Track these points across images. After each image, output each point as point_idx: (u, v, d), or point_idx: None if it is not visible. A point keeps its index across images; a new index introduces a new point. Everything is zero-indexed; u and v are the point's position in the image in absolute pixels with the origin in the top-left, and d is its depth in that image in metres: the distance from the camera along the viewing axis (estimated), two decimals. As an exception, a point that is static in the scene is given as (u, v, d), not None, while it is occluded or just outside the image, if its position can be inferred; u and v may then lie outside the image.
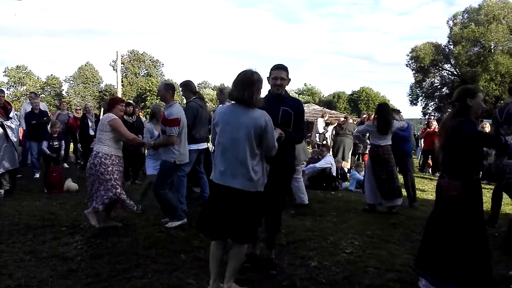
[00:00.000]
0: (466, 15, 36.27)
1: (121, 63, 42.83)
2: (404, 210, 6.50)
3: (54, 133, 8.03)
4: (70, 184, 7.24)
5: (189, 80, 5.96)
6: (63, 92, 59.94)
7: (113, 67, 61.72)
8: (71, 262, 3.81)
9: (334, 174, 8.53)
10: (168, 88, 5.04)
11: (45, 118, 8.46)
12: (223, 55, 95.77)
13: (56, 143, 7.93)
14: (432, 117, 14.04)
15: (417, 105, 42.70)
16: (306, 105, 27.92)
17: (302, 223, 5.46)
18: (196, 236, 4.66)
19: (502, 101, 32.47)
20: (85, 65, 61.95)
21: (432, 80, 41.15)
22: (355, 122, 12.59)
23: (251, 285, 3.41)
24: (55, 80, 59.76)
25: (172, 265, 3.80)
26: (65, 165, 10.09)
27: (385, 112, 6.35)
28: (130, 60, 62.32)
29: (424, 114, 41.16)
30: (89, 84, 60.87)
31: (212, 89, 59.21)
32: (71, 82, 61.60)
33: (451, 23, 37.57)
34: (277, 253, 4.17)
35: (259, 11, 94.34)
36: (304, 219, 5.70)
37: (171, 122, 4.84)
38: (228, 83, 61.81)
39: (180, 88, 6.08)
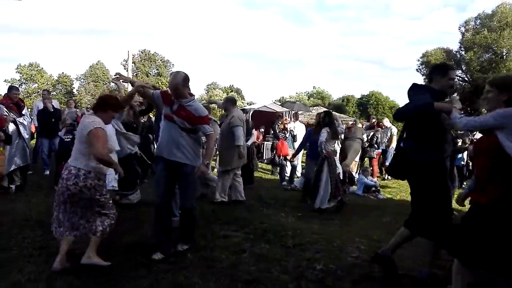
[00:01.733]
0: (479, 21, 36.02)
1: (132, 63, 43.16)
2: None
3: (65, 128, 8.10)
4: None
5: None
6: (74, 90, 60.44)
7: (124, 66, 61.84)
8: (79, 258, 3.84)
9: (341, 178, 8.51)
10: (187, 83, 4.15)
11: (57, 116, 8.57)
12: (232, 57, 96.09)
13: (68, 136, 8.00)
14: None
15: (426, 110, 42.36)
16: (314, 108, 27.87)
17: (309, 225, 5.47)
18: (202, 236, 4.72)
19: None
20: (96, 64, 62.40)
21: (443, 85, 40.85)
22: (363, 127, 12.56)
23: (256, 285, 3.44)
24: (66, 78, 60.31)
25: (179, 264, 3.83)
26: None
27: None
28: (141, 60, 62.68)
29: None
30: (99, 82, 61.29)
31: (221, 90, 59.41)
32: (82, 80, 62.09)
33: (463, 29, 37.36)
34: (283, 255, 4.21)
35: (268, 13, 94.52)
36: (311, 222, 5.72)
37: (206, 119, 4.20)
38: (237, 85, 61.65)
39: None
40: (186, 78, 4.08)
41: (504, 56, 33.95)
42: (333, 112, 8.65)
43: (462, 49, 37.30)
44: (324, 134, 6.65)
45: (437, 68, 3.72)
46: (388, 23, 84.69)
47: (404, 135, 3.68)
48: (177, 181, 4.20)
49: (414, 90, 3.64)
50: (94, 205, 3.70)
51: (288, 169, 9.89)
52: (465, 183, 11.40)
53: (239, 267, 3.84)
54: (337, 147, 12.84)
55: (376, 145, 10.97)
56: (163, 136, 4.18)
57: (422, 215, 3.51)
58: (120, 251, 4.10)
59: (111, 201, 3.87)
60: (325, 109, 30.18)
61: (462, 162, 11.15)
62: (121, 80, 4.99)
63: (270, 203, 6.86)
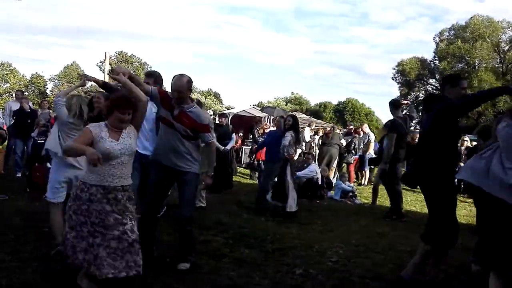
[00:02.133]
0: (453, 31, 37.13)
1: (109, 64, 42.58)
2: (390, 221, 6.59)
3: (39, 130, 7.91)
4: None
5: None
6: (48, 91, 59.08)
7: (100, 67, 61.06)
8: (55, 263, 3.72)
9: (320, 183, 8.59)
10: (190, 87, 3.90)
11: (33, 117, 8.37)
12: (211, 61, 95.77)
13: (42, 138, 7.81)
14: (417, 131, 14.22)
15: (401, 118, 43.31)
16: (293, 113, 28.04)
17: (289, 230, 5.48)
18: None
19: (484, 117, 33.24)
20: (71, 65, 61.25)
21: (417, 94, 41.87)
22: (341, 133, 12.71)
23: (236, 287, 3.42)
24: (40, 79, 58.92)
25: (157, 270, 3.75)
26: (48, 164, 9.91)
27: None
28: (117, 62, 61.86)
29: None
30: (74, 84, 60.15)
31: (199, 93, 59.14)
32: (56, 81, 60.81)
33: (437, 39, 38.43)
34: (263, 260, 4.20)
35: (247, 18, 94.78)
36: (291, 227, 5.73)
37: (208, 127, 4.06)
38: (215, 89, 61.72)
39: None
40: (190, 81, 3.81)
41: (476, 67, 35.06)
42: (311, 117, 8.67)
43: (436, 58, 38.34)
44: (288, 137, 6.64)
45: (449, 78, 3.83)
46: (365, 31, 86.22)
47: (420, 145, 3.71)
48: (170, 188, 4.05)
49: (432, 99, 3.74)
50: None
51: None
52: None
53: (220, 272, 3.80)
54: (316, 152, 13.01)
55: (353, 151, 11.11)
56: (161, 142, 3.94)
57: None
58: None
59: None
60: (303, 115, 30.49)
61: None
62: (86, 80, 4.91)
63: (250, 207, 6.84)
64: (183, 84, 3.74)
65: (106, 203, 3.00)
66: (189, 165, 3.87)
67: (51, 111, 11.48)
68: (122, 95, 3.28)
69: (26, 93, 52.62)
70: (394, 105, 7.01)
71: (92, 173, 3.03)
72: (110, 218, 2.99)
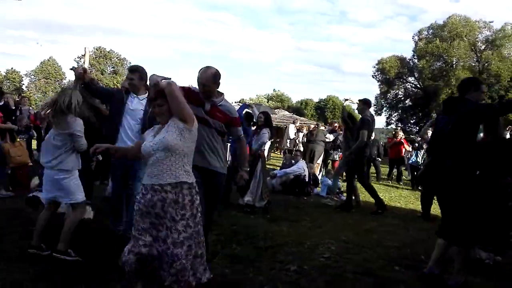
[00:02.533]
0: (431, 31, 37.90)
1: (88, 60, 41.72)
2: (377, 217, 6.69)
3: (21, 127, 7.72)
4: (37, 182, 6.95)
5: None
6: (24, 87, 57.61)
7: (78, 63, 59.88)
8: (43, 264, 3.64)
9: (307, 179, 8.64)
10: (218, 80, 3.60)
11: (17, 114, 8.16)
12: (191, 57, 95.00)
13: (24, 136, 7.64)
14: (399, 128, 14.51)
15: (381, 115, 44.08)
16: (276, 110, 28.17)
17: (279, 228, 5.49)
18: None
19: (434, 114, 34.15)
20: (48, 60, 59.87)
21: (397, 92, 42.60)
22: (325, 130, 12.81)
23: (230, 285, 3.42)
24: (15, 74, 57.39)
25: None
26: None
27: None
28: (96, 57, 60.75)
29: (388, 124, 42.61)
30: (51, 79, 58.83)
31: (180, 90, 58.62)
32: (32, 77, 59.35)
33: (416, 37, 39.14)
34: (256, 257, 4.20)
35: (228, 15, 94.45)
36: (281, 224, 5.74)
37: (239, 120, 3.87)
38: (196, 85, 61.73)
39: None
40: (217, 74, 3.57)
41: (454, 65, 35.86)
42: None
43: (415, 57, 39.06)
44: (266, 134, 6.70)
45: (473, 82, 3.87)
46: (344, 29, 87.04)
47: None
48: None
49: (454, 102, 3.77)
50: None
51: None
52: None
53: (214, 269, 3.76)
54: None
55: (338, 148, 11.21)
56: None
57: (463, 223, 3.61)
58: (86, 254, 3.92)
59: None
60: (286, 112, 30.54)
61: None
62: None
63: (239, 205, 6.82)
64: (209, 77, 3.52)
65: (143, 204, 2.82)
66: (222, 166, 3.68)
67: (31, 107, 11.25)
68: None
69: (1, 89, 51.31)
70: (367, 103, 7.27)
71: None
72: (147, 220, 2.80)
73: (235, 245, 4.54)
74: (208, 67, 3.58)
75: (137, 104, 4.31)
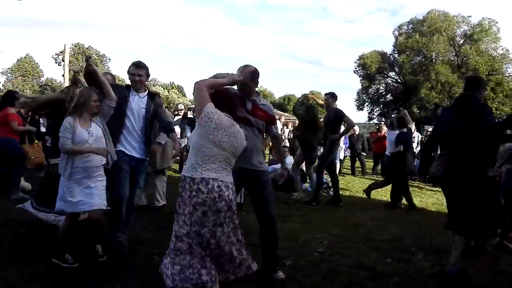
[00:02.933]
0: (411, 25, 38.40)
1: (68, 56, 40.91)
2: (365, 212, 6.79)
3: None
4: (22, 183, 6.82)
5: None
6: (0, 85, 56.23)
7: (56, 60, 58.72)
8: (36, 265, 3.60)
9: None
10: (256, 78, 3.57)
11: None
12: (173, 53, 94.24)
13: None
14: (383, 123, 14.68)
15: (363, 110, 44.52)
16: None
17: (271, 223, 5.52)
18: (167, 238, 4.60)
19: (441, 108, 34.68)
20: (25, 57, 58.52)
21: (378, 87, 43.08)
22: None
23: (230, 285, 3.42)
24: (-9, 72, 55.95)
25: (148, 267, 3.72)
26: None
27: None
28: (74, 54, 59.61)
29: (370, 119, 43.14)
30: (28, 77, 57.56)
31: (161, 86, 58.07)
32: (9, 74, 57.94)
33: (396, 32, 39.62)
34: (251, 253, 4.21)
35: (210, 10, 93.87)
36: (272, 219, 5.77)
37: (276, 119, 3.90)
38: (178, 82, 60.72)
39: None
40: (255, 72, 3.53)
41: (433, 60, 36.46)
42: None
43: (395, 52, 39.53)
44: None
45: (480, 81, 4.19)
46: (326, 25, 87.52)
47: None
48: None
49: (465, 100, 3.90)
50: None
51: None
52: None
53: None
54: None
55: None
56: None
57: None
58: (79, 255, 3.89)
59: None
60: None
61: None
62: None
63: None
64: (247, 76, 3.47)
65: None
66: (264, 163, 3.69)
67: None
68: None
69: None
70: (334, 97, 7.46)
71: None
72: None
73: (229, 242, 4.55)
74: (246, 65, 3.54)
75: (138, 102, 4.15)
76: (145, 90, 4.23)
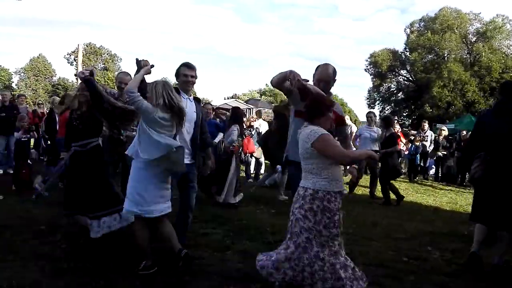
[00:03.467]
0: (423, 23, 38.04)
1: (76, 56, 41.34)
2: (380, 209, 6.77)
3: (23, 127, 7.66)
4: (39, 180, 6.92)
5: None
6: (13, 85, 56.93)
7: (68, 60, 59.34)
8: (59, 261, 3.65)
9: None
10: (336, 76, 3.57)
11: (14, 112, 8.07)
12: (183, 52, 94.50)
13: (25, 136, 7.59)
14: (395, 120, 14.57)
15: (374, 108, 44.22)
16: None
17: (285, 221, 5.49)
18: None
19: (453, 106, 34.33)
20: (38, 57, 59.17)
21: (389, 85, 42.76)
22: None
23: (248, 281, 3.46)
24: (4, 72, 56.65)
25: (165, 264, 3.74)
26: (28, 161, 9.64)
27: None
28: (86, 53, 60.16)
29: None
30: (41, 77, 58.21)
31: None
32: (22, 74, 58.64)
33: (408, 30, 39.26)
34: (267, 250, 4.23)
35: (219, 9, 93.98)
36: (286, 217, 5.76)
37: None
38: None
39: None
40: (335, 71, 3.52)
41: (446, 58, 36.07)
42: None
43: (407, 50, 39.19)
44: (235, 132, 6.74)
45: None
46: (335, 22, 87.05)
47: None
48: None
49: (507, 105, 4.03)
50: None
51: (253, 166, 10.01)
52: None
53: (227, 264, 3.83)
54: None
55: (336, 142, 11.26)
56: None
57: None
58: (99, 251, 3.94)
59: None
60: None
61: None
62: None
63: (242, 200, 6.86)
64: (330, 74, 3.48)
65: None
66: None
67: (28, 106, 11.16)
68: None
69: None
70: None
71: (334, 180, 2.95)
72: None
73: (245, 240, 4.58)
74: (326, 64, 3.55)
75: (190, 106, 3.93)
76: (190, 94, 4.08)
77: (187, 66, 3.97)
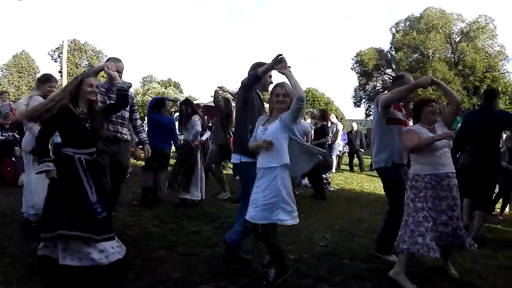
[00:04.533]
0: (408, 23, 38.49)
1: (60, 53, 40.76)
2: (366, 207, 6.88)
3: (6, 125, 7.57)
4: (24, 179, 6.84)
5: None
6: (-4, 81, 55.88)
7: (52, 56, 58.48)
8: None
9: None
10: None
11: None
12: (170, 49, 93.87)
13: (10, 134, 7.50)
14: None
15: (360, 107, 44.66)
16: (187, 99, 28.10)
17: (273, 218, 5.59)
18: (173, 232, 4.70)
19: (438, 105, 34.80)
20: (21, 53, 58.16)
21: (375, 83, 43.17)
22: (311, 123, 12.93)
23: (238, 277, 3.50)
24: (-15, 68, 55.58)
25: (155, 260, 3.77)
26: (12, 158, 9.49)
27: None
28: (70, 50, 59.31)
29: (367, 115, 43.22)
30: (24, 73, 57.25)
31: (158, 83, 57.84)
32: (5, 70, 57.58)
33: (393, 30, 39.68)
34: (256, 247, 4.29)
35: (206, 4, 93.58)
36: (275, 214, 5.84)
37: None
38: (175, 78, 60.74)
39: None
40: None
41: (430, 57, 36.59)
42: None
43: (392, 49, 39.62)
44: (197, 122, 6.34)
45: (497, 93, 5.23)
46: (322, 21, 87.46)
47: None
48: None
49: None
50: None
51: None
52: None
53: (217, 260, 3.85)
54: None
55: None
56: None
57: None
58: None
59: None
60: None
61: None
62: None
63: (230, 197, 6.90)
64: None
65: (440, 190, 3.44)
66: None
67: (11, 103, 10.96)
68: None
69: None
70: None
71: (424, 165, 3.48)
72: (443, 203, 3.43)
73: (234, 236, 4.61)
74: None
75: None
76: None
77: (256, 65, 3.76)
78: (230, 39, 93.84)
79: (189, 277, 3.41)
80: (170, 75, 69.81)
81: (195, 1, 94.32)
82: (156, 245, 4.22)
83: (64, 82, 20.52)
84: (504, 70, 36.25)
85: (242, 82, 3.72)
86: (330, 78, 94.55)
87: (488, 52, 35.75)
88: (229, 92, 7.36)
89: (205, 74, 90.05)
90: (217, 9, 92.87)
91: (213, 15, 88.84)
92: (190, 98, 17.21)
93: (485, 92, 5.47)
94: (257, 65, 3.74)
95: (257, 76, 3.55)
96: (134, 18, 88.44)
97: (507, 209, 6.95)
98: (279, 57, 3.40)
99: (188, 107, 6.45)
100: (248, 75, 3.73)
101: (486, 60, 34.52)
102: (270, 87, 3.87)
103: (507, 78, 35.32)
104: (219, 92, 6.86)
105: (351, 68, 42.27)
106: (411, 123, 4.92)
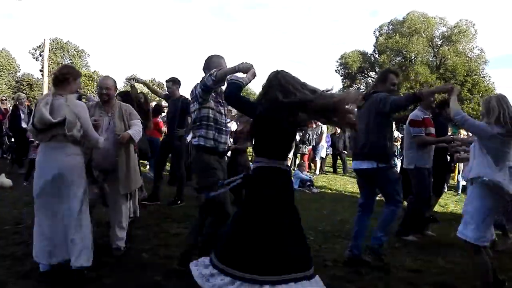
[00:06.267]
0: (391, 26, 38.99)
1: (42, 51, 40.05)
2: (348, 208, 6.92)
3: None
4: (3, 180, 6.71)
5: None
6: (-25, 80, 54.60)
7: (33, 55, 57.46)
8: (27, 261, 3.57)
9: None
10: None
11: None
12: (154, 49, 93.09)
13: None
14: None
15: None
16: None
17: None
18: (155, 235, 4.66)
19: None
20: (1, 51, 56.96)
21: (359, 86, 43.57)
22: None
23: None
24: (-35, 67, 54.25)
25: (136, 263, 3.73)
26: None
27: None
28: (52, 49, 58.30)
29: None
30: (4, 72, 56.07)
31: (143, 84, 57.32)
32: (-16, 69, 56.30)
33: (377, 33, 40.15)
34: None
35: (192, 6, 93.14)
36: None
37: None
38: (159, 78, 60.44)
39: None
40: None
41: (413, 60, 37.13)
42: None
43: (376, 52, 40.08)
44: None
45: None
46: (308, 23, 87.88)
47: None
48: None
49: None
50: None
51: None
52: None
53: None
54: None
55: (307, 142, 11.44)
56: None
57: None
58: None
59: None
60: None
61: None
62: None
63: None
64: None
65: None
66: None
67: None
68: None
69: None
70: (178, 83, 6.68)
71: None
72: None
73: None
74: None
75: None
76: None
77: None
78: (216, 40, 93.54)
79: (170, 281, 3.38)
80: (154, 75, 69.08)
81: (183, 2, 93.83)
82: (140, 248, 4.17)
83: (46, 81, 20.08)
84: (484, 73, 37.01)
85: (396, 103, 3.98)
86: (318, 80, 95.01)
87: (469, 55, 36.44)
88: (144, 83, 6.97)
89: (190, 76, 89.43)
90: (203, 10, 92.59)
91: (198, 17, 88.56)
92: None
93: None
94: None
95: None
96: (117, 18, 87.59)
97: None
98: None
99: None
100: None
101: (467, 64, 35.17)
102: None
103: (487, 82, 36.06)
104: (133, 82, 6.58)
105: (335, 70, 42.63)
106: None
